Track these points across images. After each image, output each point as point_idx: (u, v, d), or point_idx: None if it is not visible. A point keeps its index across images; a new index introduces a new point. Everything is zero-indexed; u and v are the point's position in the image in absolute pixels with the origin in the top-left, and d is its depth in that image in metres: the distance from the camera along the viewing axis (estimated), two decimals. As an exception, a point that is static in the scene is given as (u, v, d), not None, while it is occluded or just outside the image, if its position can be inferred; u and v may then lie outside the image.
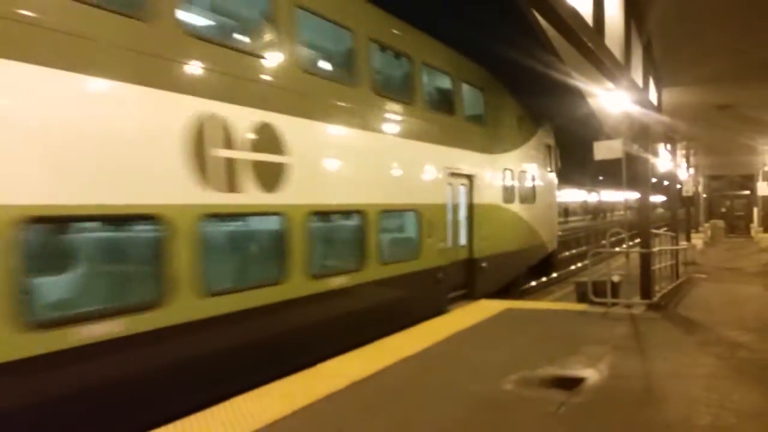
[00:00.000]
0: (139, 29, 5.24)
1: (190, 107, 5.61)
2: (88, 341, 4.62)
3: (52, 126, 4.54)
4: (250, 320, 6.26)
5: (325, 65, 8.64)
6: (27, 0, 4.42)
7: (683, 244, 18.07)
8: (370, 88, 8.69)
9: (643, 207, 11.52)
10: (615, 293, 10.46)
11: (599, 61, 7.18)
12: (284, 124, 6.78)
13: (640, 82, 9.68)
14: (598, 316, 9.67)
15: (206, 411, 5.27)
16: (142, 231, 5.81)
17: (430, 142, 10.29)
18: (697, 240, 23.11)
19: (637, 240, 11.59)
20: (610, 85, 9.37)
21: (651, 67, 10.62)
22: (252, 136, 6.34)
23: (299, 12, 7.29)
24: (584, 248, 25.65)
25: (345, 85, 8.30)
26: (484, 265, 12.02)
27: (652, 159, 11.79)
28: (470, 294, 11.62)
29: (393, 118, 9.31)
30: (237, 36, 7.15)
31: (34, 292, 4.58)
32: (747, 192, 34.85)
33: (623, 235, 12.86)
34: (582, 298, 10.95)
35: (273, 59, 6.89)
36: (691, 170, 26.05)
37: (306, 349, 7.01)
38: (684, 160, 23.63)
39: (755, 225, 30.70)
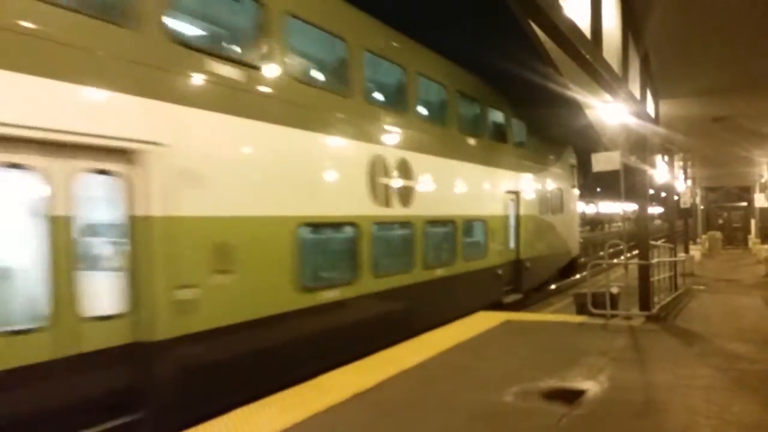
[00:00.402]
0: (343, 103, 8.27)
1: (369, 150, 8.72)
2: (324, 301, 7.58)
3: (317, 172, 7.73)
4: (393, 295, 9.11)
5: (425, 112, 11.08)
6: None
7: (681, 255, 18.09)
8: (458, 129, 11.67)
9: (641, 219, 11.55)
10: (614, 305, 10.46)
11: (597, 74, 7.21)
12: (411, 158, 9.70)
13: (637, 94, 9.73)
14: (598, 327, 9.68)
15: (205, 424, 5.25)
16: (347, 232, 8.44)
17: (493, 167, 13.18)
18: (695, 251, 23.13)
19: (636, 251, 11.61)
20: (608, 97, 9.41)
21: (648, 80, 10.68)
22: (395, 168, 9.27)
23: (420, 79, 10.30)
24: (583, 259, 25.68)
25: (442, 127, 11.17)
26: (528, 265, 14.49)
27: (650, 170, 11.79)
28: (518, 288, 14.04)
29: (471, 150, 12.23)
30: (385, 98, 10.00)
31: (304, 267, 7.24)
32: (744, 203, 34.94)
33: (622, 247, 12.89)
34: (581, 309, 10.93)
35: (404, 112, 9.84)
36: (689, 182, 26.11)
37: (422, 319, 9.66)
38: (681, 171, 23.67)
39: (753, 236, 30.73)
